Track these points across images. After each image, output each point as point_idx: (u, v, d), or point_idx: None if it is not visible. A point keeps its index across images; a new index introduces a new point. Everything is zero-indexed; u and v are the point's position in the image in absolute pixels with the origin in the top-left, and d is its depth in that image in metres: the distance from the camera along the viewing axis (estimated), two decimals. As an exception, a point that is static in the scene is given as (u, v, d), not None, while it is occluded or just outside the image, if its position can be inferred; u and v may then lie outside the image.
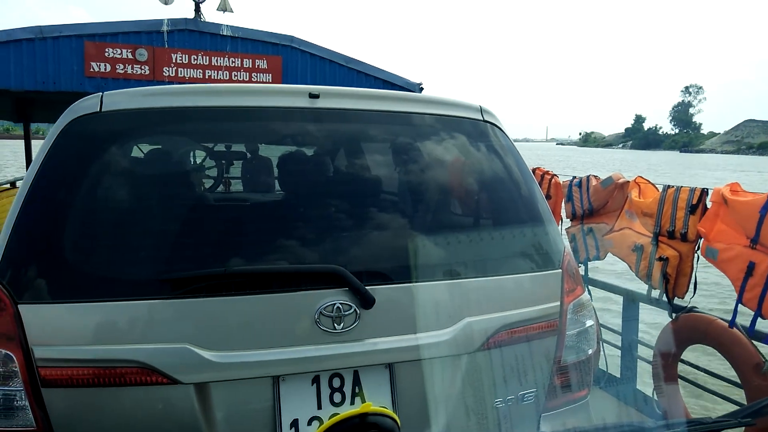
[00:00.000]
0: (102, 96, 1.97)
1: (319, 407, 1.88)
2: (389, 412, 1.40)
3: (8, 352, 1.69)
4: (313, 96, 2.09)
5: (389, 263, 1.99)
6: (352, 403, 1.90)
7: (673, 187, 4.50)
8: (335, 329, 1.85)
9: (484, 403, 2.04)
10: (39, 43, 7.36)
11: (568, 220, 5.84)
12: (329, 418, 1.85)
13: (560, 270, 2.22)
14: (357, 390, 1.91)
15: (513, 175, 2.29)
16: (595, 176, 5.57)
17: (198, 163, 4.87)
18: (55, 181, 1.85)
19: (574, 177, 5.84)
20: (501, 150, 2.31)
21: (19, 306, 1.71)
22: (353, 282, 1.86)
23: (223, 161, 4.67)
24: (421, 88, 9.08)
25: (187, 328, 1.77)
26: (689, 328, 4.29)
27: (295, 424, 1.84)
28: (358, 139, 2.32)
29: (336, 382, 1.90)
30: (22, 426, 1.70)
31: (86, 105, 1.96)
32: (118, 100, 1.97)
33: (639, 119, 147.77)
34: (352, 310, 1.87)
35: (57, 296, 1.74)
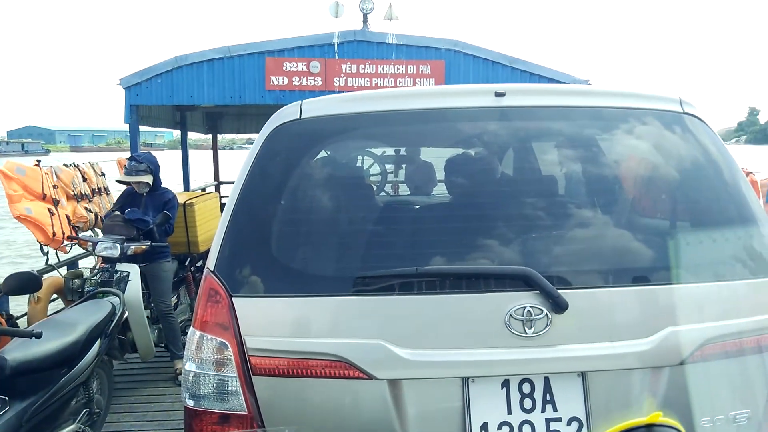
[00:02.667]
0: (301, 104, 2.11)
1: (509, 412, 1.84)
2: (677, 424, 1.30)
3: (224, 341, 1.86)
4: (499, 94, 2.06)
5: (584, 266, 1.90)
6: (543, 410, 1.84)
7: None
8: (526, 333, 1.80)
9: (688, 420, 1.87)
10: (227, 61, 8.15)
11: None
12: (517, 423, 1.80)
13: None
14: (548, 397, 1.85)
15: (720, 171, 2.08)
16: None
17: (376, 166, 5.04)
18: (262, 185, 2.00)
19: None
20: (706, 143, 2.11)
21: (233, 299, 1.87)
22: (545, 285, 1.80)
23: (402, 164, 4.76)
24: (588, 85, 8.65)
25: (380, 325, 1.83)
26: None
27: (485, 427, 1.82)
28: (547, 137, 2.23)
29: (526, 388, 1.85)
30: (235, 410, 1.85)
31: (288, 113, 2.10)
32: (314, 107, 2.10)
33: (753, 112, 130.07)
34: (544, 314, 1.80)
35: (266, 291, 1.88)
